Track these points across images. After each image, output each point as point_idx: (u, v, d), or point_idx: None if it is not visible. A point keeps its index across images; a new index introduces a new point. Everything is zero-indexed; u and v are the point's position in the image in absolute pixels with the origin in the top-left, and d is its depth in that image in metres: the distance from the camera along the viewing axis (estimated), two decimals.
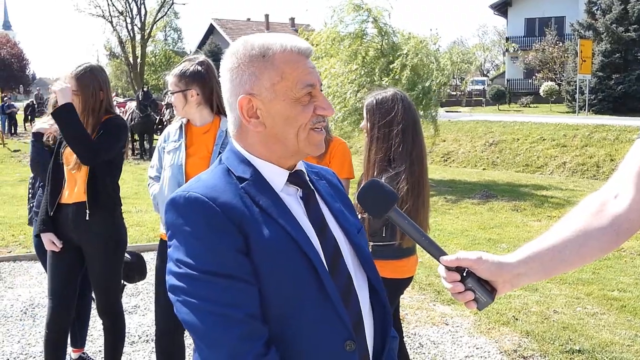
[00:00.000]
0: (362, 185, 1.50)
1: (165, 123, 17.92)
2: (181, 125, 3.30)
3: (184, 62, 3.30)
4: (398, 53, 11.83)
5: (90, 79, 3.35)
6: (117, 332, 3.67)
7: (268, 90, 1.38)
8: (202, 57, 3.30)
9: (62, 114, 3.23)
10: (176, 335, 3.36)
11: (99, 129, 3.35)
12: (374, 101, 3.03)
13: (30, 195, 4.25)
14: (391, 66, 11.79)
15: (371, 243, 2.96)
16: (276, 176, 1.43)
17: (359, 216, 2.90)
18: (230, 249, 1.30)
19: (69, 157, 3.43)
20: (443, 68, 12.12)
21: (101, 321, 3.70)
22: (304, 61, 1.41)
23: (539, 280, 1.50)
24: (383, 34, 12.30)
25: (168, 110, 16.18)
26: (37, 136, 3.91)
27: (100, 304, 3.59)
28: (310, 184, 1.50)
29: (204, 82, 3.18)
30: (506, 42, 24.87)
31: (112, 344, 3.67)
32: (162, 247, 3.34)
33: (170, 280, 1.34)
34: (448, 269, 1.42)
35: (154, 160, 3.42)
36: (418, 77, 11.97)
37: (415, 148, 2.97)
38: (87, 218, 3.36)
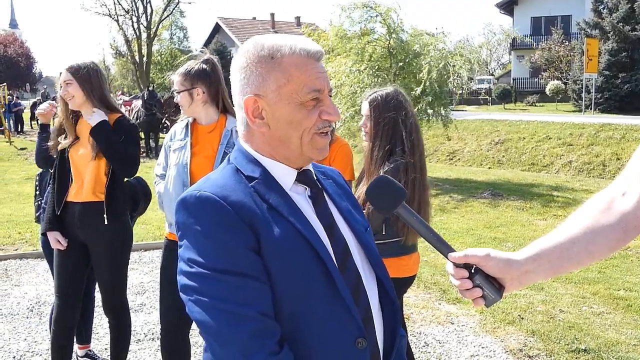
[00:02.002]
0: (371, 181, 1.50)
1: (168, 122, 18.05)
2: (187, 124, 3.29)
3: (189, 60, 3.30)
4: (424, 61, 11.77)
5: (82, 68, 3.37)
6: (122, 329, 3.68)
7: (274, 92, 1.38)
8: (207, 55, 3.29)
9: (100, 131, 3.34)
10: (181, 334, 3.37)
11: (116, 130, 3.39)
12: (379, 97, 3.04)
13: (37, 192, 4.25)
14: (419, 76, 11.74)
15: None
16: (285, 175, 1.44)
17: None
18: (241, 247, 1.31)
19: (74, 155, 3.44)
20: (459, 70, 12.16)
21: (107, 319, 3.72)
22: (313, 65, 1.40)
23: (547, 278, 1.50)
24: (391, 32, 12.26)
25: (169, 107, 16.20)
26: (44, 127, 3.90)
27: (106, 302, 3.60)
28: (318, 183, 1.50)
29: (209, 80, 3.18)
30: (513, 35, 24.63)
31: (117, 342, 3.68)
32: (167, 246, 3.34)
33: (182, 279, 1.34)
34: (456, 265, 1.42)
35: (161, 158, 3.43)
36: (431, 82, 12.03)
37: (418, 144, 3.02)
38: (106, 223, 3.39)
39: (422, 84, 11.53)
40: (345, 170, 3.51)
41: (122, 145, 3.38)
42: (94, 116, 3.36)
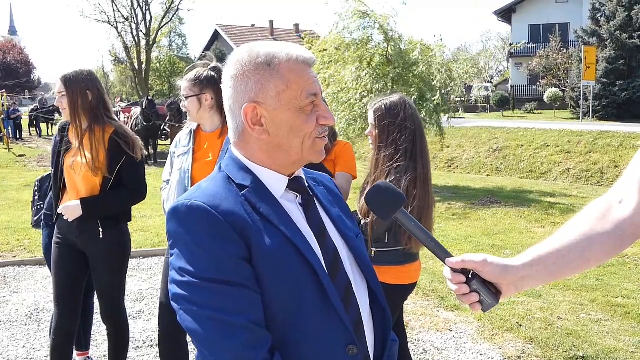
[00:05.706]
0: (370, 187, 1.52)
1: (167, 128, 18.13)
2: (191, 130, 3.34)
3: (196, 66, 3.32)
4: (415, 68, 11.87)
5: (75, 80, 3.36)
6: (120, 337, 3.67)
7: (273, 98, 1.39)
8: (214, 62, 3.31)
9: (93, 212, 3.37)
10: (179, 336, 3.38)
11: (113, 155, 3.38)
12: (383, 106, 3.06)
13: (36, 197, 4.24)
14: (417, 81, 11.85)
15: (374, 249, 2.97)
16: (276, 183, 1.44)
17: (362, 221, 2.93)
18: (233, 257, 1.31)
19: (67, 162, 3.44)
20: (456, 78, 12.27)
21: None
22: (308, 70, 1.42)
23: (543, 283, 1.51)
24: (389, 40, 12.33)
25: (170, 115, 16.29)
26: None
27: (103, 309, 3.59)
28: (309, 190, 1.51)
29: (218, 87, 3.20)
30: (510, 47, 24.83)
31: (115, 349, 3.67)
32: None
33: (173, 289, 1.34)
34: (453, 270, 1.44)
35: (167, 164, 3.49)
36: (429, 87, 12.08)
37: (422, 151, 3.03)
38: (101, 236, 3.40)
39: (416, 87, 11.62)
40: (352, 168, 3.69)
41: (118, 196, 3.42)
42: (67, 212, 3.37)
